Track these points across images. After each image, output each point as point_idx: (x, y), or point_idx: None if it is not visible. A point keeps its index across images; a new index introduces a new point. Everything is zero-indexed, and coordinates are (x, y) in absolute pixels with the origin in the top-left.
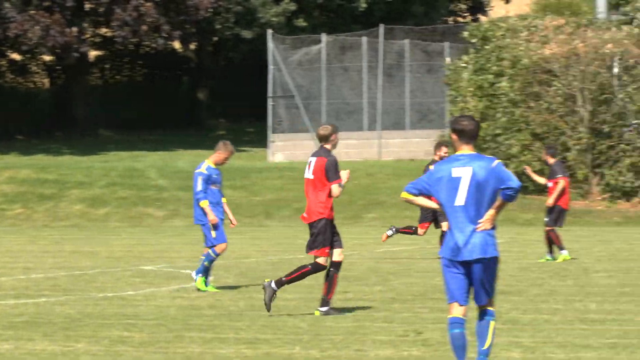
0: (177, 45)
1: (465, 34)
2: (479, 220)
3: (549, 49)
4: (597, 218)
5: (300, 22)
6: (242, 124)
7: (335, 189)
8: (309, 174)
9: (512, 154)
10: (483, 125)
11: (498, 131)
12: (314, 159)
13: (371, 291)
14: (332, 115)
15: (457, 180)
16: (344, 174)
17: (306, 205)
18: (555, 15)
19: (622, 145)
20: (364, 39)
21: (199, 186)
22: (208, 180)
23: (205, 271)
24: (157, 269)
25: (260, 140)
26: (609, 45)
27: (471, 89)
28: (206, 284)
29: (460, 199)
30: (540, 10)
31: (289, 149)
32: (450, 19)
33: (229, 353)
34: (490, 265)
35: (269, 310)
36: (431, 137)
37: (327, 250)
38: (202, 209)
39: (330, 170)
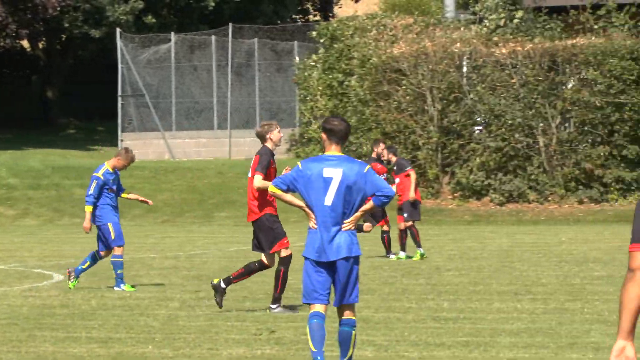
0: (25, 44)
1: (314, 33)
2: (345, 221)
3: (398, 48)
4: (448, 217)
5: (150, 20)
6: (92, 122)
7: (256, 179)
8: (249, 173)
9: (363, 153)
10: None
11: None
12: (253, 158)
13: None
14: (182, 114)
15: (328, 181)
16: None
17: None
18: (404, 14)
19: (472, 144)
20: (213, 38)
21: (92, 190)
22: (103, 186)
23: (122, 277)
24: (9, 268)
25: (111, 139)
26: (458, 45)
27: (321, 88)
28: (120, 285)
29: (329, 200)
30: (389, 10)
31: (138, 148)
32: (300, 18)
33: (82, 352)
34: (354, 264)
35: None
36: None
37: (285, 241)
38: (106, 207)
39: (259, 163)
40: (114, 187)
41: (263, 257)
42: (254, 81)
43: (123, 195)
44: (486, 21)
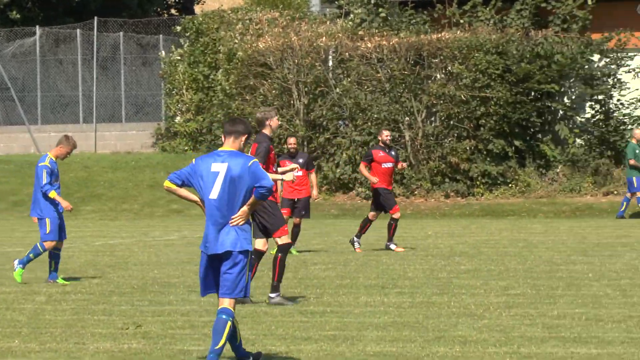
0: None
1: (178, 28)
2: (232, 216)
3: (263, 42)
4: (314, 210)
5: (14, 15)
6: None
7: None
8: None
9: None
10: (199, 118)
11: (215, 124)
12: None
13: (90, 284)
14: (48, 108)
15: (214, 175)
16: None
17: None
18: (270, 8)
19: (339, 139)
20: (78, 32)
21: (44, 179)
22: (52, 174)
23: (27, 263)
24: None
25: None
26: (324, 39)
27: (186, 82)
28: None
29: (215, 193)
30: (255, 3)
31: (4, 142)
32: (164, 12)
33: None
34: (240, 259)
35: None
36: (147, 130)
37: (285, 228)
38: (49, 201)
39: (256, 152)
40: (58, 177)
41: (259, 244)
42: (119, 75)
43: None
44: (352, 15)
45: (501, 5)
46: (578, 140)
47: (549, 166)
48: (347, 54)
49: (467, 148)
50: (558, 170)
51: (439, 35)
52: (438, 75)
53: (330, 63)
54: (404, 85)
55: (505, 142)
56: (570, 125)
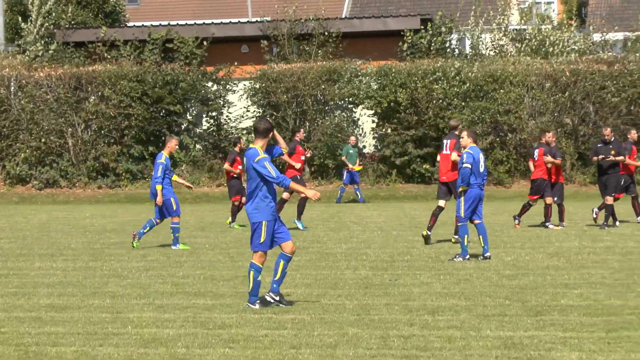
0: None
1: None
2: None
3: None
4: (1, 199)
5: None
6: None
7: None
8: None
9: None
10: None
11: None
12: None
13: None
14: None
15: None
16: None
17: None
18: None
19: (19, 144)
20: None
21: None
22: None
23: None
24: None
25: None
26: (7, 69)
27: None
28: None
29: None
30: None
31: None
32: None
33: None
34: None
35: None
36: None
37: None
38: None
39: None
40: None
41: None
42: None
43: None
44: (28, 52)
45: (138, 44)
46: (198, 146)
47: (176, 165)
48: (24, 80)
49: (115, 152)
50: (183, 168)
51: (94, 67)
52: (93, 97)
53: (12, 88)
54: (67, 104)
55: (144, 147)
56: (192, 135)
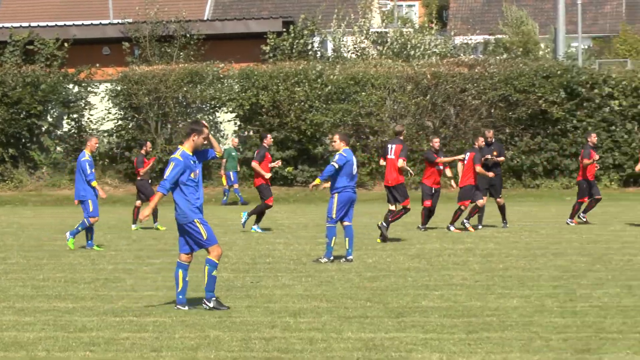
0: None
1: None
2: None
3: None
4: None
5: None
6: None
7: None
8: None
9: None
10: None
11: None
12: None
13: None
14: None
15: None
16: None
17: None
18: None
19: None
20: None
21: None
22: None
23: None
24: None
25: None
26: None
27: None
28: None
29: None
30: None
31: None
32: None
33: None
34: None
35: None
36: None
37: None
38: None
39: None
40: None
41: None
42: None
43: None
44: None
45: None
46: (58, 148)
47: (37, 167)
48: None
49: None
50: (44, 170)
51: None
52: None
53: None
54: None
55: (3, 149)
56: (52, 137)
